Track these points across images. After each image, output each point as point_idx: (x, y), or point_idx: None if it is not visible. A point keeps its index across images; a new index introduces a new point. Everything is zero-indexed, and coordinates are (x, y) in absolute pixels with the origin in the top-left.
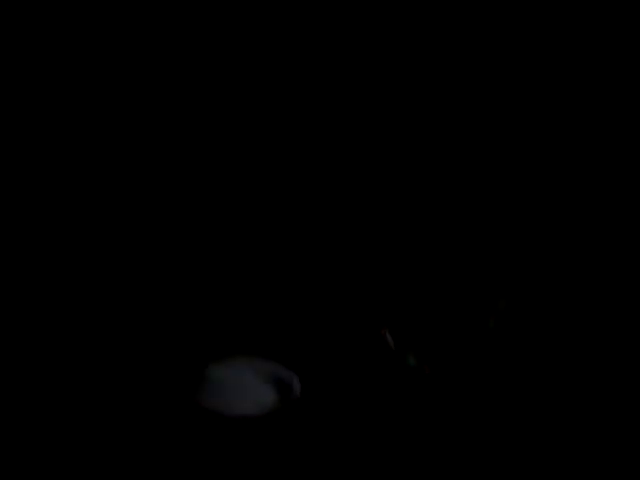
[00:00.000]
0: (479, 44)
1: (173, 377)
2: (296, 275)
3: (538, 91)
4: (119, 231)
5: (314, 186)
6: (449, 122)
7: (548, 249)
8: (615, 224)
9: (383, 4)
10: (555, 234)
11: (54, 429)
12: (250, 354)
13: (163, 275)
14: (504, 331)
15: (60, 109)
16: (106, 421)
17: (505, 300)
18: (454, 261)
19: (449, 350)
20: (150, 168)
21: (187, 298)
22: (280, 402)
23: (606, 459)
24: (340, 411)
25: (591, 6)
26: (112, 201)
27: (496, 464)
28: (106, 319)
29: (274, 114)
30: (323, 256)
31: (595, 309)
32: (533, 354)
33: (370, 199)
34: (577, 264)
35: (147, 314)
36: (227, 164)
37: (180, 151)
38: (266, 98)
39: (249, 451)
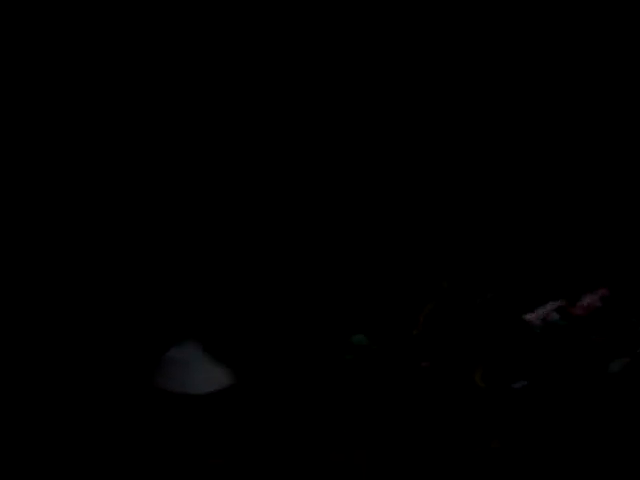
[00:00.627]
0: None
1: (129, 360)
2: (245, 261)
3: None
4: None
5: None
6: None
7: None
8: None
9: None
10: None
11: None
12: (202, 336)
13: (120, 265)
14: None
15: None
16: (65, 405)
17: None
18: (398, 243)
19: (395, 329)
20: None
21: (142, 285)
22: (230, 381)
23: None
24: (287, 389)
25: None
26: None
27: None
28: (66, 305)
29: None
30: (268, 247)
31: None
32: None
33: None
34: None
35: (104, 301)
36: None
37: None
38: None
39: (202, 428)
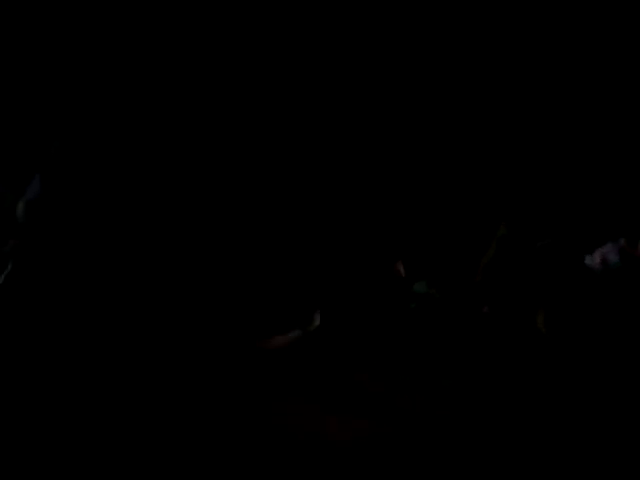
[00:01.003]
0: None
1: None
2: (319, 209)
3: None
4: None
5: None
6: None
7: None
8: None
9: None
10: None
11: (119, 369)
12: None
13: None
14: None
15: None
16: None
17: (505, 226)
18: (457, 191)
19: (456, 276)
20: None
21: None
22: (301, 332)
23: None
24: (358, 339)
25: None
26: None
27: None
28: (170, 275)
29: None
30: (339, 193)
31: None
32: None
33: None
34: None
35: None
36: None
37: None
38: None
39: (272, 378)
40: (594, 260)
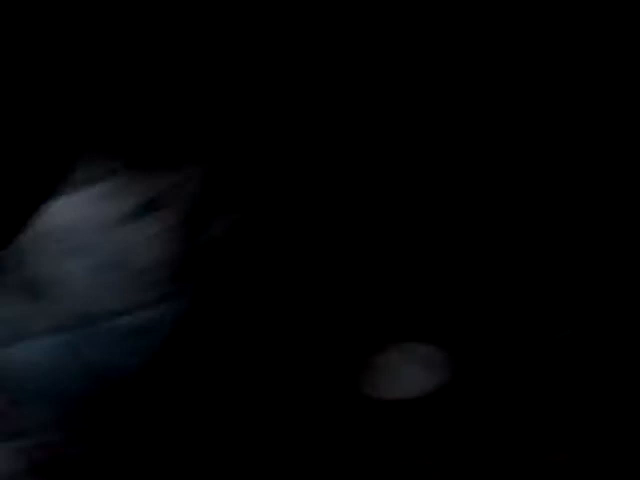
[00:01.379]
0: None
1: (334, 365)
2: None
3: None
4: None
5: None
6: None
7: None
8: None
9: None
10: None
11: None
12: (405, 338)
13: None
14: None
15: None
16: (270, 408)
17: None
18: None
19: None
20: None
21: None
22: (434, 384)
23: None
24: (493, 393)
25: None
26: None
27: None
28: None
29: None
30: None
31: None
32: None
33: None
34: None
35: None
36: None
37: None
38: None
39: (406, 433)
40: None
